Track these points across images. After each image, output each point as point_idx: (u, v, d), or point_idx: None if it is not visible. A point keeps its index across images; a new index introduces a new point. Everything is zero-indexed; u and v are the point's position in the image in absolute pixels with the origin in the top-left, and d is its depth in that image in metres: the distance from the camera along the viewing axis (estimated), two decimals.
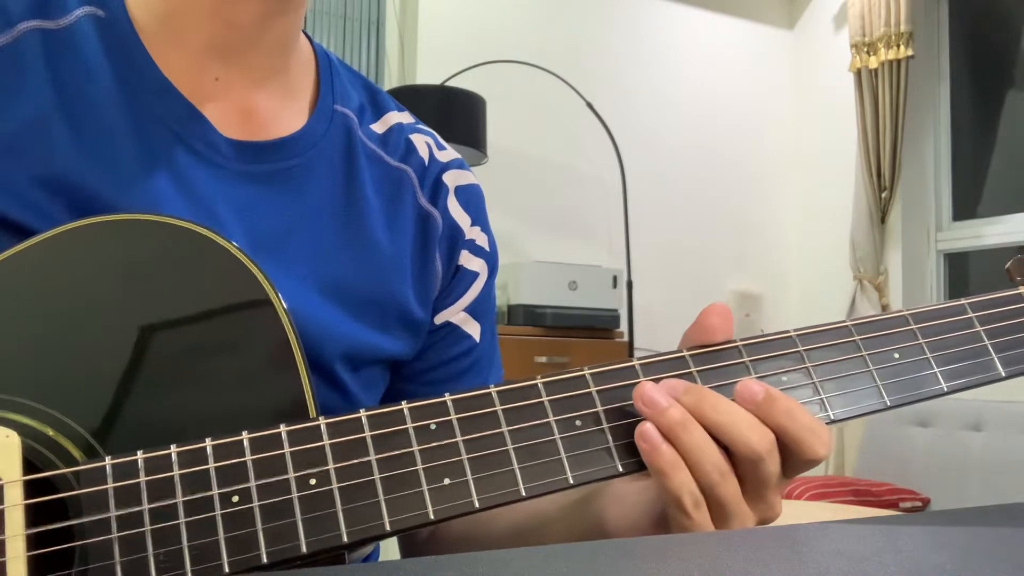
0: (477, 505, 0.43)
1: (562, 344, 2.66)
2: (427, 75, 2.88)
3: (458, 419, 0.44)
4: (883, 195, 3.17)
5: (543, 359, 2.59)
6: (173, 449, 0.41)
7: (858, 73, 3.21)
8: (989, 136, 3.26)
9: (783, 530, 0.38)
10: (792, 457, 0.46)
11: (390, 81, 2.98)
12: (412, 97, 2.50)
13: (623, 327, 2.85)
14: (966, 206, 3.23)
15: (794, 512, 2.20)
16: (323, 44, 2.67)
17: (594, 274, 2.79)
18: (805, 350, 0.49)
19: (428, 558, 0.34)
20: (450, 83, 2.75)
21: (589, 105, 2.90)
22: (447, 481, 0.43)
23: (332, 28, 2.88)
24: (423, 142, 0.70)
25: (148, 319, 0.46)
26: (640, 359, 0.48)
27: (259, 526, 0.41)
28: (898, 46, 3.09)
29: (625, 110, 3.21)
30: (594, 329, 2.76)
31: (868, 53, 3.18)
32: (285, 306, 0.47)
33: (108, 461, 0.41)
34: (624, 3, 3.33)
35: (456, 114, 2.52)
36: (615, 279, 2.82)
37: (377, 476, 0.42)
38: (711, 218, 3.47)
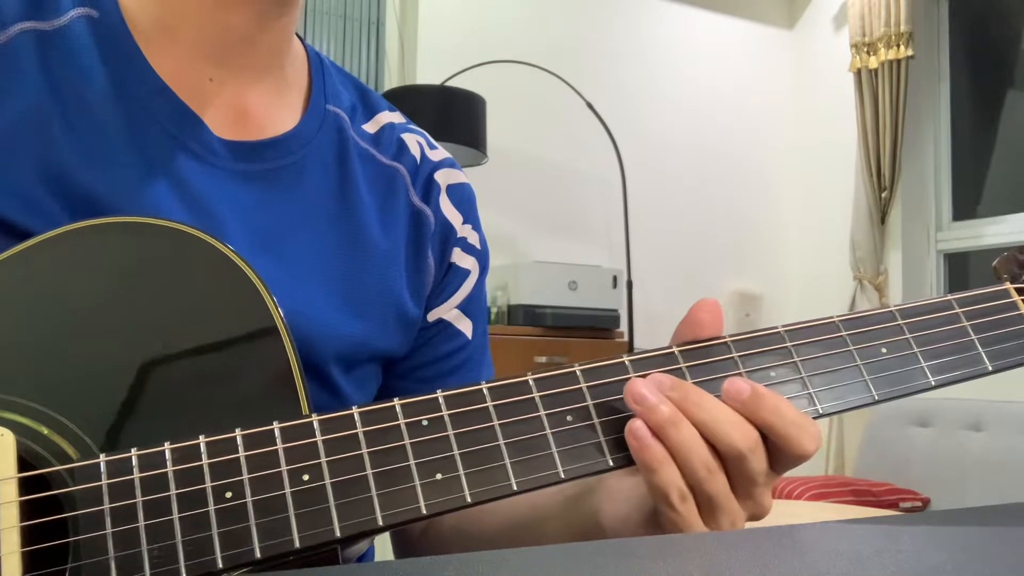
0: (469, 500, 0.43)
1: (562, 344, 2.66)
2: (427, 75, 2.88)
3: (449, 415, 0.45)
4: (883, 195, 3.17)
5: (543, 359, 2.59)
6: (167, 446, 0.42)
7: (858, 73, 3.21)
8: (989, 136, 3.25)
9: (783, 530, 0.38)
10: (780, 453, 0.46)
11: (390, 81, 2.98)
12: (412, 97, 2.50)
13: (623, 327, 2.85)
14: (966, 206, 3.23)
15: (794, 512, 2.20)
16: (323, 44, 2.65)
17: (594, 274, 2.79)
18: (793, 345, 0.49)
19: (425, 558, 0.34)
20: (450, 83, 2.75)
21: (589, 105, 2.90)
22: (439, 476, 0.43)
23: (332, 28, 2.88)
24: (415, 141, 0.70)
25: (144, 321, 0.46)
26: (630, 355, 0.48)
27: (252, 521, 0.41)
28: (898, 46, 3.09)
29: (625, 110, 3.21)
30: (594, 329, 2.76)
31: (868, 53, 3.18)
32: (281, 312, 0.47)
33: (102, 458, 0.41)
34: (624, 3, 3.33)
35: (456, 114, 2.52)
36: (615, 279, 2.82)
37: (369, 471, 0.43)
38: (711, 218, 3.47)
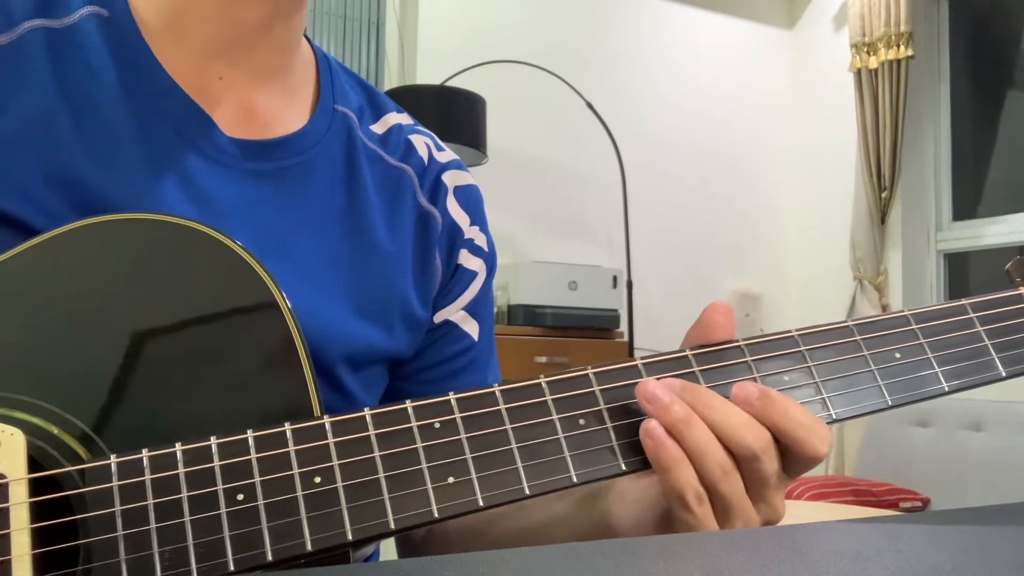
0: (481, 503, 0.43)
1: (562, 344, 2.66)
2: (427, 75, 2.88)
3: (462, 418, 0.44)
4: (883, 195, 3.17)
5: (543, 359, 2.59)
6: (178, 447, 0.42)
7: (858, 73, 3.22)
8: (989, 136, 3.26)
9: (783, 530, 0.38)
10: (792, 455, 0.46)
11: (390, 81, 2.98)
12: (412, 97, 2.50)
13: (623, 327, 2.85)
14: (966, 206, 3.24)
15: (794, 512, 2.20)
16: (323, 44, 2.65)
17: (594, 274, 2.79)
18: (807, 350, 0.49)
19: (428, 558, 0.34)
20: (450, 83, 2.75)
21: (589, 105, 2.90)
22: (451, 479, 0.43)
23: (332, 28, 2.88)
24: (422, 143, 0.70)
25: (153, 318, 0.46)
26: (643, 358, 0.48)
27: (264, 524, 0.41)
28: (898, 46, 3.09)
29: (625, 110, 3.21)
30: (594, 329, 2.76)
31: (868, 53, 3.18)
32: (290, 306, 0.47)
33: (113, 459, 0.41)
34: (624, 3, 3.33)
35: (456, 114, 2.52)
36: (615, 279, 2.82)
37: (381, 474, 0.42)
38: (711, 218, 3.47)
